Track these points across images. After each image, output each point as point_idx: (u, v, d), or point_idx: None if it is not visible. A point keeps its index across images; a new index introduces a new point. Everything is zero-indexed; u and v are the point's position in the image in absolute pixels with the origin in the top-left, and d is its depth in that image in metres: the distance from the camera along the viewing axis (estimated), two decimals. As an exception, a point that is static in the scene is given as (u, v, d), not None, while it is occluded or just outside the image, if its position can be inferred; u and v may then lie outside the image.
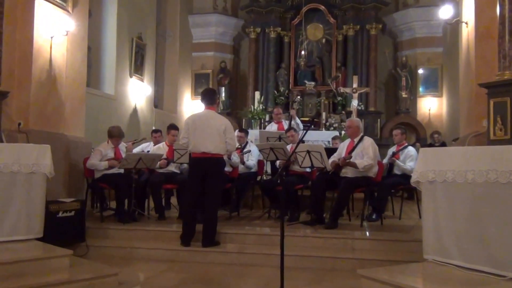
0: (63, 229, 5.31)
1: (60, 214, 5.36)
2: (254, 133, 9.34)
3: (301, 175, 6.79)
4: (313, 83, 14.05)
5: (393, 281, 3.68)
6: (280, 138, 7.55)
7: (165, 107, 13.47)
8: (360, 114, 13.49)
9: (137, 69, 10.97)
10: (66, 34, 6.23)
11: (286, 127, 8.60)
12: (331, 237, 5.51)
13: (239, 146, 7.27)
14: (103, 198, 7.05)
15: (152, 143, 8.13)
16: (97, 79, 9.91)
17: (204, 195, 5.55)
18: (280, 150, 6.54)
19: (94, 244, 5.55)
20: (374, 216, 6.71)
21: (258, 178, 7.80)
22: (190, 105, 14.77)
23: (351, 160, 6.05)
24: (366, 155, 6.10)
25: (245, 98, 14.74)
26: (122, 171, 6.50)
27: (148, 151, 7.53)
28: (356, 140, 6.34)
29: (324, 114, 13.58)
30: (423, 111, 14.41)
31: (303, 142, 6.43)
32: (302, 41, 14.35)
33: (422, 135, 13.91)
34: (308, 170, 6.73)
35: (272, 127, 8.66)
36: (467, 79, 5.98)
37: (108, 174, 6.34)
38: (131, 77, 10.67)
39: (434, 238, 4.11)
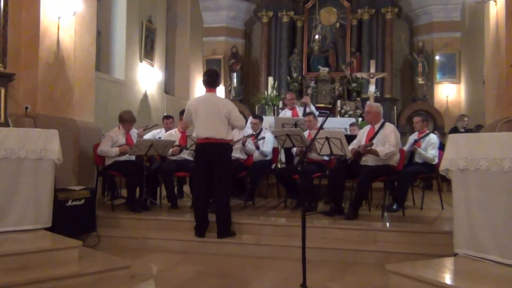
0: (72, 218, 5.09)
1: (70, 203, 5.13)
2: (268, 120, 9.05)
3: (318, 163, 6.53)
4: (327, 69, 13.68)
5: (424, 278, 3.40)
6: (296, 125, 7.26)
7: (176, 93, 13.21)
8: (376, 100, 13.10)
9: (147, 54, 10.69)
10: (74, 15, 5.95)
11: (300, 113, 8.32)
12: (352, 229, 5.23)
13: (254, 133, 6.99)
14: (113, 185, 6.84)
15: (163, 129, 7.90)
16: (107, 63, 9.66)
17: (213, 184, 5.29)
18: (297, 137, 6.26)
19: (105, 234, 5.32)
20: (394, 207, 6.43)
21: (273, 166, 7.53)
22: (202, 91, 14.45)
23: (372, 147, 5.75)
24: (387, 142, 5.80)
25: (257, 84, 14.42)
26: (133, 158, 6.27)
27: (160, 138, 7.29)
28: (376, 126, 6.03)
29: (339, 101, 13.27)
30: (441, 98, 14.00)
31: (322, 128, 6.15)
32: (316, 26, 14.00)
33: (440, 123, 13.55)
34: (326, 158, 6.47)
35: (286, 114, 8.34)
36: (496, 61, 5.62)
37: (119, 161, 6.11)
38: (141, 62, 10.40)
39: (466, 230, 3.80)
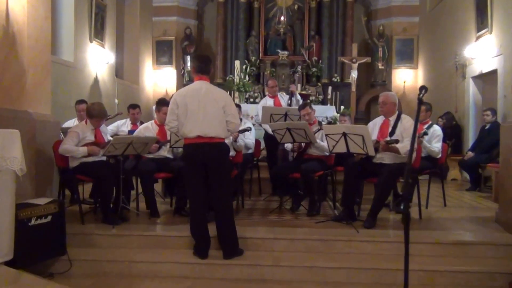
0: (37, 241, 3.94)
1: (33, 222, 3.95)
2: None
3: (318, 159, 5.72)
4: (286, 52, 13.07)
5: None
6: (286, 115, 6.35)
7: (126, 77, 11.87)
8: (335, 86, 12.74)
9: (98, 33, 9.34)
10: (26, -19, 4.70)
11: (283, 102, 7.44)
12: (381, 241, 4.43)
13: (248, 128, 6.06)
14: (74, 187, 5.63)
15: (129, 120, 6.79)
16: (53, 43, 8.17)
17: (211, 193, 4.31)
18: (299, 131, 5.38)
19: (77, 256, 4.21)
20: (402, 207, 5.76)
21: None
22: (152, 76, 13.33)
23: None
24: (406, 137, 5.06)
25: (213, 68, 13.41)
26: (104, 158, 5.14)
27: (130, 131, 6.20)
28: (392, 119, 5.29)
29: (299, 86, 12.61)
30: (398, 83, 13.91)
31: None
32: (273, 7, 13.30)
33: (398, 108, 13.20)
34: (326, 153, 5.68)
35: (267, 102, 7.41)
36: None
37: (88, 162, 4.94)
38: (91, 42, 9.04)
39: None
